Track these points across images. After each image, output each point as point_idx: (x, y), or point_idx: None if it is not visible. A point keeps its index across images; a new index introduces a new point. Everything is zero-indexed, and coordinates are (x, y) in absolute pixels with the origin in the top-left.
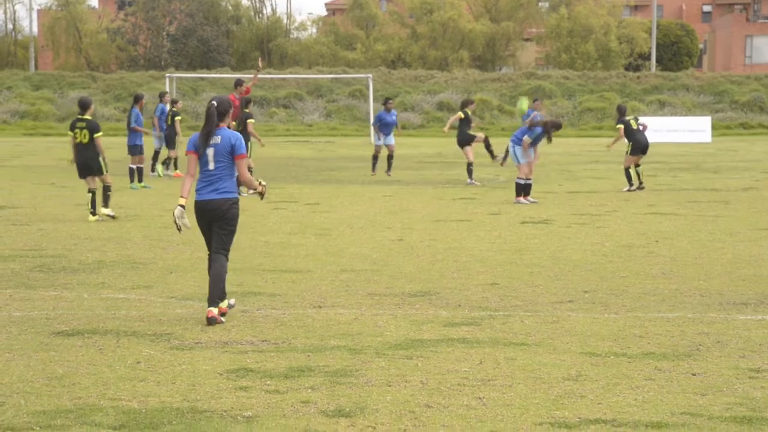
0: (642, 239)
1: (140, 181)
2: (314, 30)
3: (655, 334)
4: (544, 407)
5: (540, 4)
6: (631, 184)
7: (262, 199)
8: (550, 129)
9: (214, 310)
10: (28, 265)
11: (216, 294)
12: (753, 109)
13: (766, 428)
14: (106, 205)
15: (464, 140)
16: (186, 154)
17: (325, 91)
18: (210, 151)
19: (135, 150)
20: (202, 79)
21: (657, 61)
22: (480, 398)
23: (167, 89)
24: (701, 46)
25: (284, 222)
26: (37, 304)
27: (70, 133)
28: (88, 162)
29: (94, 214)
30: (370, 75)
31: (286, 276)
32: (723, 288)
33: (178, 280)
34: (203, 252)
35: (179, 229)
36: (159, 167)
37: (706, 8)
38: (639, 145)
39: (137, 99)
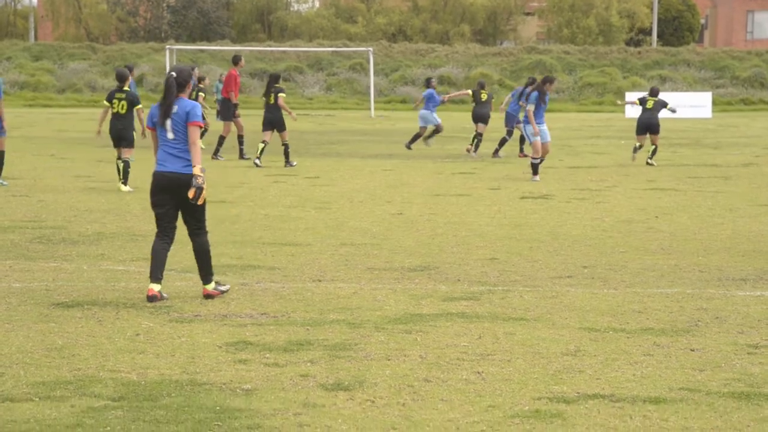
0: (642, 215)
1: None
2: (315, 3)
3: (653, 310)
4: (542, 382)
5: None
6: (634, 152)
7: (192, 196)
8: (542, 86)
9: (210, 287)
10: (28, 236)
11: (208, 270)
12: (754, 85)
13: (764, 404)
14: (125, 182)
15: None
16: (147, 130)
17: (326, 64)
18: (168, 122)
19: None
20: (202, 51)
21: (658, 36)
22: (479, 373)
23: (167, 61)
24: (702, 21)
25: (284, 195)
26: (37, 276)
27: (107, 103)
28: (122, 132)
29: (122, 182)
30: (370, 48)
31: (285, 249)
32: (722, 264)
33: (177, 252)
34: None
35: None
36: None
37: None
38: (639, 124)
39: (130, 70)
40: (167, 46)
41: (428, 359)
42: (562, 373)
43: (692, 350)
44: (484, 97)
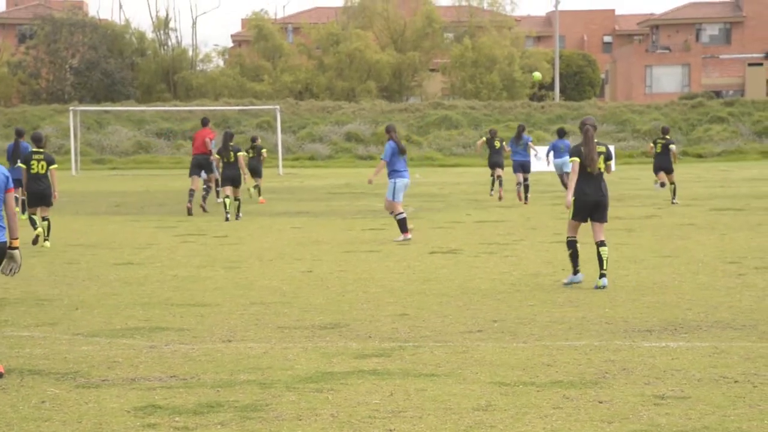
0: (549, 268)
1: (24, 212)
2: (220, 62)
3: (562, 363)
4: None
5: (445, 34)
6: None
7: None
8: (389, 135)
9: None
10: None
11: None
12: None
13: None
14: (47, 237)
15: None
16: None
17: (233, 122)
18: None
19: (18, 183)
20: (107, 112)
21: (560, 91)
22: (391, 430)
23: (71, 122)
24: (603, 76)
25: (193, 255)
26: None
27: (23, 165)
28: (45, 191)
29: (45, 240)
30: (277, 106)
31: (194, 310)
32: (628, 315)
33: (83, 316)
34: (109, 288)
35: None
36: (251, 190)
37: (607, 39)
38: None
39: (21, 133)
40: (71, 108)
41: (340, 418)
42: (473, 429)
43: (600, 402)
44: (497, 145)
